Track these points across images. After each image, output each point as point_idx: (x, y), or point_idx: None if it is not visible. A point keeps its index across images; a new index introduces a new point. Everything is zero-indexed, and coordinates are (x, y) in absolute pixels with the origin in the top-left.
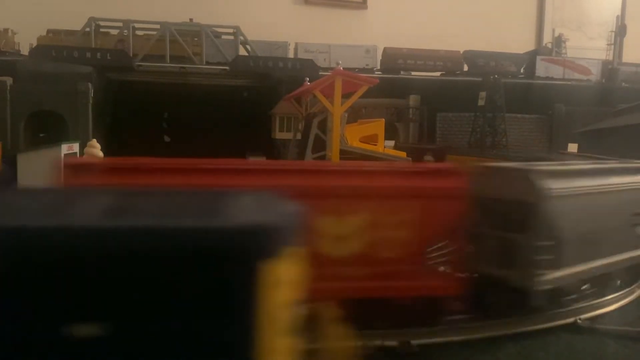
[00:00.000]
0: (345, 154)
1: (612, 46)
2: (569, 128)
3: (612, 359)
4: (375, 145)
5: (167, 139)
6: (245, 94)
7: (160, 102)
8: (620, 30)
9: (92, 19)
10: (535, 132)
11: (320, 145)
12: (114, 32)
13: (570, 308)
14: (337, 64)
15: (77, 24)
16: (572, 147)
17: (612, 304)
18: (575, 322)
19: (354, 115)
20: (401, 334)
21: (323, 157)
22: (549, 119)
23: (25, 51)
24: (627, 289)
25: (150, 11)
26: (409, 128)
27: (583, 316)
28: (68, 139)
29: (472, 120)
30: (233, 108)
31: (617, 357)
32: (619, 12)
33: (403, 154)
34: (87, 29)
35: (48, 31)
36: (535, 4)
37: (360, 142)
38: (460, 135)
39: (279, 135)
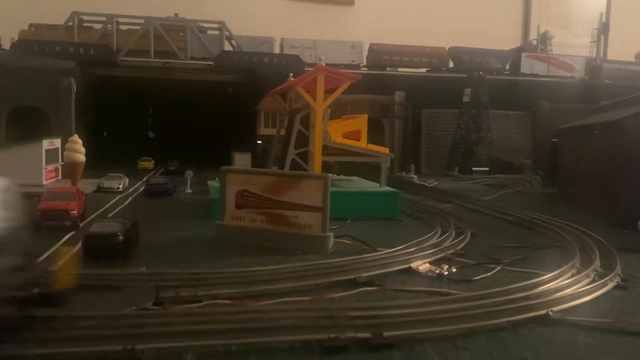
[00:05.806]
0: (329, 150)
1: (596, 43)
2: (553, 124)
3: (580, 350)
4: (359, 140)
5: (151, 134)
6: (230, 89)
7: (144, 98)
8: (604, 28)
9: (75, 13)
10: (519, 129)
11: (304, 141)
12: (97, 26)
13: (542, 300)
14: (320, 59)
15: (59, 18)
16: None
17: (584, 296)
18: (547, 314)
19: (339, 111)
20: (374, 326)
21: (306, 153)
22: (533, 115)
23: (6, 45)
24: (599, 282)
25: (135, 5)
26: (395, 124)
27: (555, 308)
28: (50, 135)
29: (456, 117)
30: (218, 104)
31: (586, 348)
32: (603, 10)
33: (386, 150)
34: (70, 24)
35: (30, 25)
36: (521, 1)
37: (344, 137)
38: (445, 131)
39: (264, 131)
